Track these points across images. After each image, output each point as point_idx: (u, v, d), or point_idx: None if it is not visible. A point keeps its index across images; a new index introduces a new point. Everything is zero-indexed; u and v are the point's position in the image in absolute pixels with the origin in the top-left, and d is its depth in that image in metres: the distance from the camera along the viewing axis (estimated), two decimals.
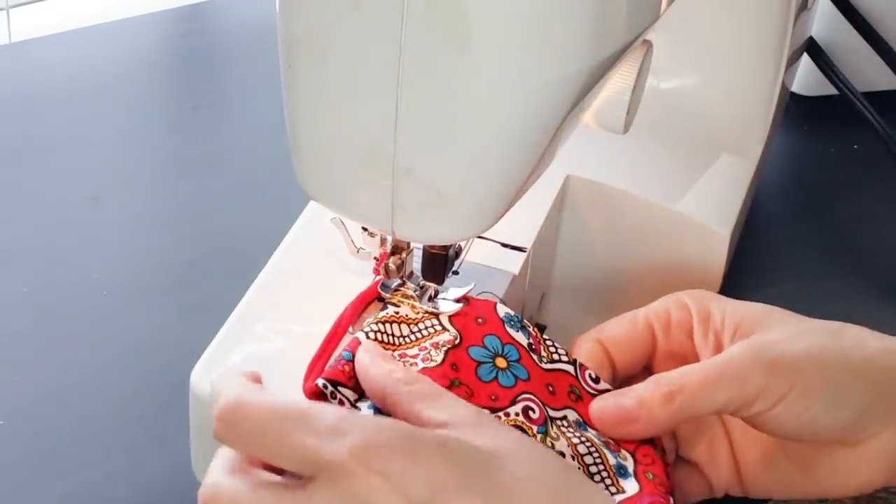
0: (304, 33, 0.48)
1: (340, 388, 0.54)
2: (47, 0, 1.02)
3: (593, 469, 0.54)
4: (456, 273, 0.59)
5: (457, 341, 0.56)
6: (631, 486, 0.54)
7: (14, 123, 0.88)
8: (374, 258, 0.58)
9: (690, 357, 0.58)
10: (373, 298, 0.60)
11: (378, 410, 0.52)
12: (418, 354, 0.56)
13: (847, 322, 0.58)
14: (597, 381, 0.58)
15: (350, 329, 0.59)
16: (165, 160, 0.87)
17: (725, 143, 0.76)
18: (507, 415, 0.55)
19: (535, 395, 0.56)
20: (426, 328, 0.57)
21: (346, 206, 0.53)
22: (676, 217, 0.71)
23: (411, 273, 0.59)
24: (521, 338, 0.57)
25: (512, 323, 0.58)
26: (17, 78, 0.92)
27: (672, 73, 0.76)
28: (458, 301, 0.58)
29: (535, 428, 0.54)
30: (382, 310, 0.58)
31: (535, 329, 0.58)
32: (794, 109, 0.92)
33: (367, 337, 0.56)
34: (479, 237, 0.63)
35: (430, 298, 0.59)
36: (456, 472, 0.46)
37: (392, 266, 0.58)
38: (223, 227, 0.80)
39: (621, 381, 0.59)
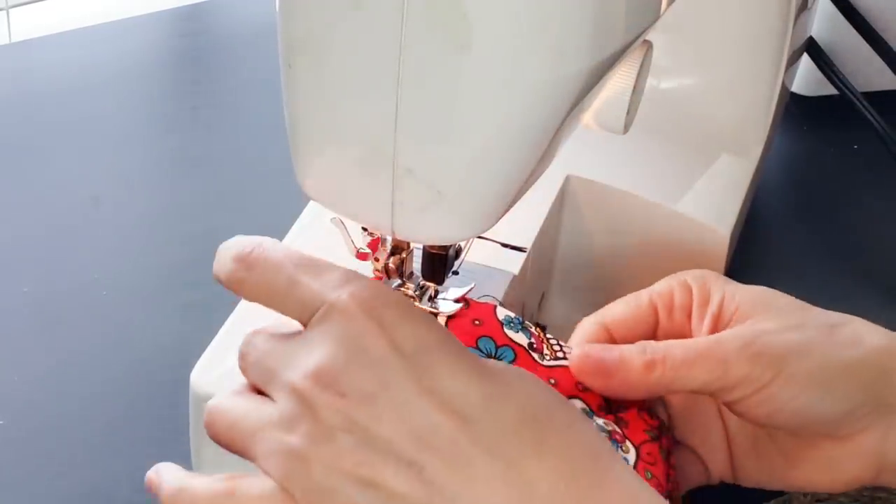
0: (304, 33, 0.48)
1: None
2: (47, 0, 1.02)
3: None
4: (456, 273, 0.59)
5: None
6: None
7: (14, 123, 0.88)
8: (375, 258, 0.58)
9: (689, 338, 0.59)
10: None
11: None
12: None
13: None
14: None
15: None
16: (165, 160, 0.87)
17: (725, 143, 0.76)
18: None
19: None
20: None
21: (346, 206, 0.53)
22: (676, 217, 0.71)
23: (411, 273, 0.59)
24: (520, 338, 0.57)
25: (512, 325, 0.58)
26: (17, 78, 0.92)
27: (672, 73, 0.76)
28: (457, 301, 0.58)
29: None
30: None
31: (538, 328, 0.58)
32: (794, 109, 0.92)
33: None
34: (479, 237, 0.63)
35: (430, 298, 0.59)
36: (438, 334, 0.49)
37: (392, 266, 0.58)
38: (223, 227, 0.79)
39: None
